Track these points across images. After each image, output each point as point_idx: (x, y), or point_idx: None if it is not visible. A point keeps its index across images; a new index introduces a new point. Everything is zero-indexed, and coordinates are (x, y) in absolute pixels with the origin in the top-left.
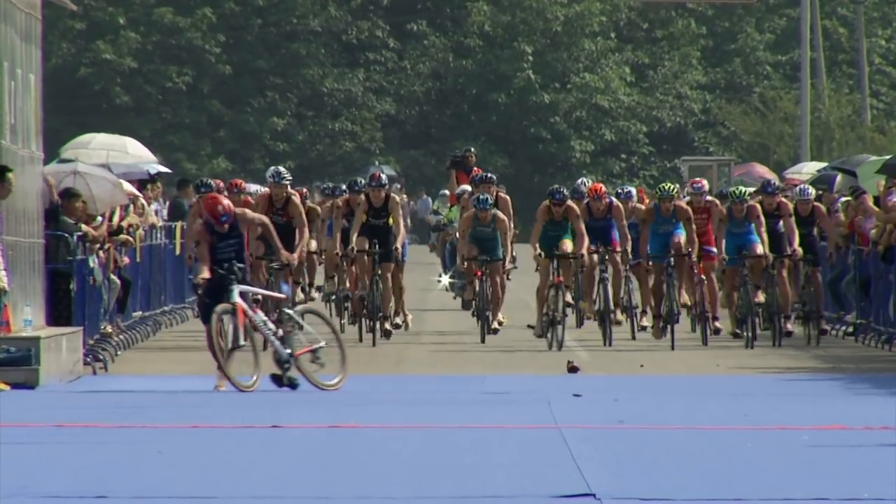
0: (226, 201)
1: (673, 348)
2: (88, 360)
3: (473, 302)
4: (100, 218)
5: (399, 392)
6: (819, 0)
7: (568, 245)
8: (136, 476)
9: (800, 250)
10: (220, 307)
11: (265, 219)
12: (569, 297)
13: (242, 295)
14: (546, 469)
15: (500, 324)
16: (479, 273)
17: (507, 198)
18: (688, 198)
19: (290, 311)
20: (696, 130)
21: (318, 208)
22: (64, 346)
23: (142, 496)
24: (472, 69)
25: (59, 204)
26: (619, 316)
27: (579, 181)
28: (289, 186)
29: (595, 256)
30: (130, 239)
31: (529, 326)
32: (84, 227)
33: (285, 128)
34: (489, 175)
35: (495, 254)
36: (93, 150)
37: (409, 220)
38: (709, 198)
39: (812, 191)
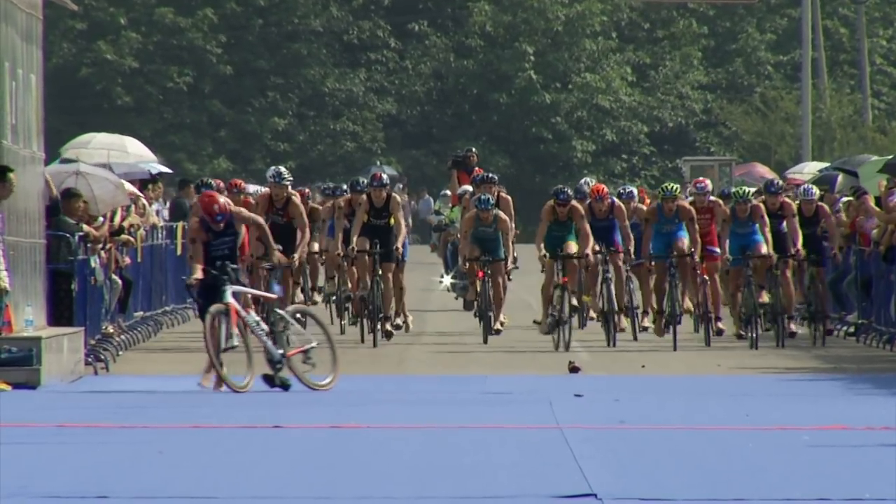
0: (222, 199)
1: (675, 349)
2: (90, 360)
3: (475, 302)
4: (101, 218)
5: (400, 392)
6: (820, 0)
7: (573, 247)
8: (137, 476)
9: (803, 250)
10: (214, 308)
11: (260, 219)
12: (574, 301)
13: (235, 295)
14: (547, 469)
15: (501, 324)
16: (481, 273)
17: (509, 198)
18: (691, 198)
19: (281, 312)
20: (698, 130)
21: (320, 208)
22: (65, 346)
23: (143, 496)
24: (474, 69)
25: (59, 200)
26: (624, 322)
27: (582, 181)
28: (289, 187)
29: (598, 256)
30: (132, 239)
31: (535, 322)
32: (85, 227)
33: (286, 128)
34: (490, 175)
35: (497, 254)
36: (93, 149)
37: (410, 220)
38: (712, 198)
39: (816, 191)
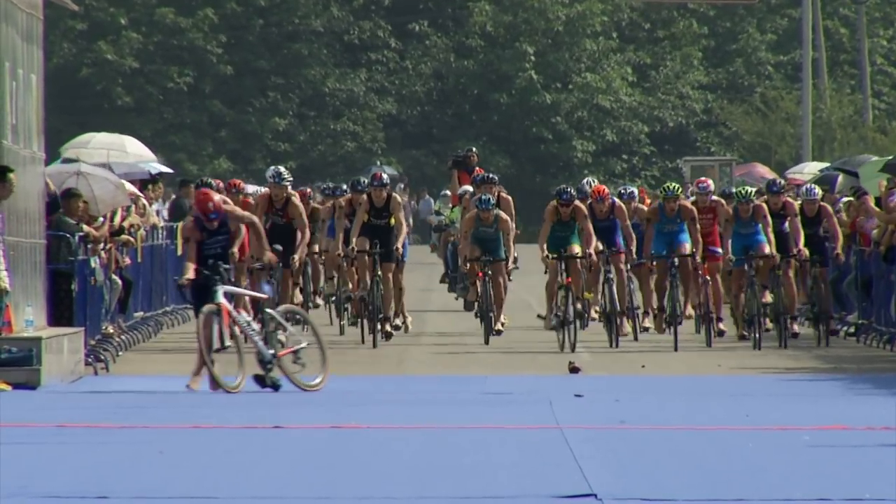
0: (217, 197)
1: (676, 349)
2: (90, 360)
3: (476, 303)
4: (101, 218)
5: (400, 392)
6: (820, 0)
7: (576, 249)
8: (138, 476)
9: (805, 251)
10: (207, 308)
11: (254, 218)
12: (579, 305)
13: (227, 296)
14: (547, 469)
15: (502, 325)
16: (481, 274)
17: (509, 198)
18: (693, 198)
19: (272, 312)
20: (698, 130)
21: (320, 208)
22: (65, 346)
23: (143, 496)
24: (474, 69)
25: (57, 196)
26: (627, 327)
27: (585, 181)
28: (289, 187)
29: (600, 256)
30: (132, 239)
31: (540, 317)
32: (86, 227)
33: (287, 128)
34: (491, 175)
35: (498, 254)
36: (92, 149)
37: (410, 220)
38: (714, 198)
39: (819, 191)
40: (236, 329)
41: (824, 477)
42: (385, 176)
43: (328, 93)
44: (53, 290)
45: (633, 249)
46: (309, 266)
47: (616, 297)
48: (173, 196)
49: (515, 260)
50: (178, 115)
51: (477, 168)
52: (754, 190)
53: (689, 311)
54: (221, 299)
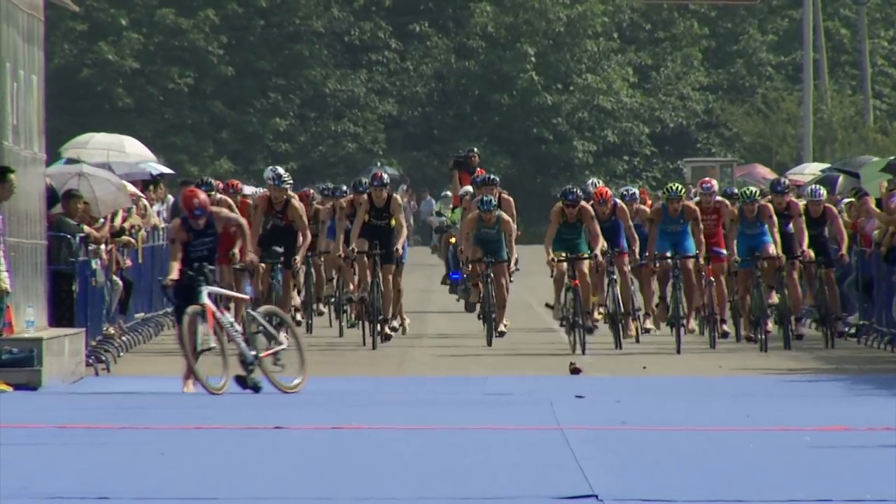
0: (203, 196)
1: (679, 352)
2: (91, 361)
3: (478, 304)
4: (102, 219)
5: (401, 393)
6: (821, 1)
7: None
8: (138, 477)
9: (810, 252)
10: (191, 309)
11: (242, 220)
12: (589, 322)
13: (210, 296)
14: (548, 470)
15: (505, 326)
16: (483, 266)
17: (510, 199)
18: (697, 198)
19: (254, 313)
20: (699, 131)
21: (322, 208)
22: (66, 347)
23: (144, 497)
24: (475, 70)
25: (54, 189)
26: (632, 330)
27: (589, 182)
28: (289, 189)
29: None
30: (132, 240)
31: (548, 306)
32: (86, 228)
33: (288, 129)
34: (492, 176)
35: (500, 255)
36: (92, 149)
37: (411, 221)
38: (718, 198)
39: (824, 191)
40: (221, 330)
41: (825, 478)
42: (385, 176)
43: (329, 93)
44: (54, 291)
45: (636, 250)
46: (312, 274)
47: (620, 299)
48: (172, 199)
49: (516, 262)
50: (178, 115)
51: (478, 169)
52: (758, 191)
53: (693, 325)
54: (206, 300)
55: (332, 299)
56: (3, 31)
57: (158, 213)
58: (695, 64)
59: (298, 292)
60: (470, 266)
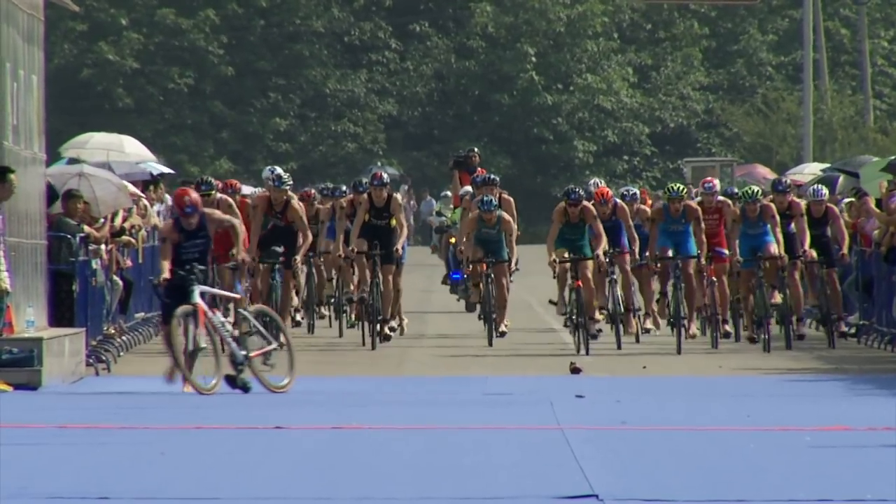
0: (194, 195)
1: (679, 352)
2: (91, 361)
3: (478, 305)
4: (102, 219)
5: (401, 393)
6: (821, 1)
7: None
8: (139, 477)
9: (812, 252)
10: (181, 309)
11: (235, 221)
12: (593, 330)
13: (202, 296)
14: (548, 470)
15: (506, 326)
16: (483, 266)
17: (511, 199)
18: (699, 198)
19: (245, 313)
20: (699, 131)
21: (322, 208)
22: (66, 347)
23: (144, 497)
24: (475, 70)
25: (52, 186)
26: (632, 327)
27: (591, 182)
28: (289, 190)
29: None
30: (133, 240)
31: (551, 302)
32: (86, 228)
33: (288, 129)
34: (492, 177)
35: (500, 255)
36: (91, 149)
37: (412, 221)
38: (720, 198)
39: (826, 191)
40: (213, 330)
41: (825, 478)
42: (385, 175)
43: (329, 94)
44: (54, 291)
45: (637, 250)
46: (314, 277)
47: (620, 298)
48: (170, 199)
49: (517, 262)
50: (179, 115)
51: (478, 169)
52: (759, 190)
53: (694, 330)
54: (197, 300)
55: (332, 299)
56: (3, 31)
57: (158, 213)
58: (695, 64)
59: (297, 293)
60: (470, 266)
